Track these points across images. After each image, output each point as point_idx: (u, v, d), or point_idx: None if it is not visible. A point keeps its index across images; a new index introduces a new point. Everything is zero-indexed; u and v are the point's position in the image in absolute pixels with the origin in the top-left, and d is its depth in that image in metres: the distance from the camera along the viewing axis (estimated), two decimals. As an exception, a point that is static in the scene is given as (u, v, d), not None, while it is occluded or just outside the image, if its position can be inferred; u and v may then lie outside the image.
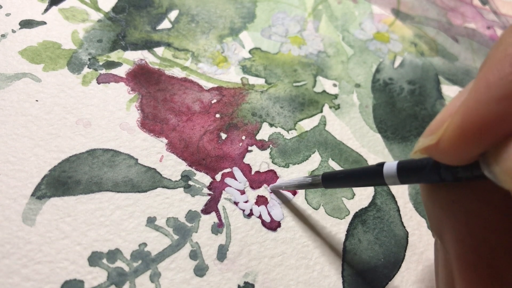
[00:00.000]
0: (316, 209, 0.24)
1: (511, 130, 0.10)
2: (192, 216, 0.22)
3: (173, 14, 0.31)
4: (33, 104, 0.23)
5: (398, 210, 0.25)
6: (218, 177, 0.23)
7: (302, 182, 0.21)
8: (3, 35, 0.26)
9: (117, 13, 0.30)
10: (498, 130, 0.10)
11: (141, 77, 0.27)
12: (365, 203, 0.25)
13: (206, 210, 0.22)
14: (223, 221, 0.22)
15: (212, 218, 0.22)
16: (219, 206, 0.22)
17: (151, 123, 0.25)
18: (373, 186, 0.25)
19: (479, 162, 0.11)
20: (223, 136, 0.25)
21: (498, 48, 0.10)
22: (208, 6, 0.33)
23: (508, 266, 0.12)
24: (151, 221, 0.21)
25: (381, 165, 0.16)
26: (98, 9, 0.29)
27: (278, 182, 0.24)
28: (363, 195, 0.25)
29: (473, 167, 0.11)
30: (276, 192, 0.24)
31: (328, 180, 0.20)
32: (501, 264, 0.12)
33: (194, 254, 0.20)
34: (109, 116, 0.24)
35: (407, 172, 0.14)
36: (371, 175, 0.16)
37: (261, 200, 0.23)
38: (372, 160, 0.27)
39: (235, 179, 0.24)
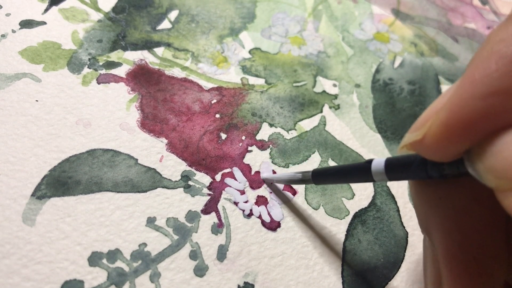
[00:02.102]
0: (316, 209, 0.24)
1: (494, 127, 0.10)
2: (192, 216, 0.22)
3: (173, 14, 0.31)
4: (33, 104, 0.23)
5: (398, 210, 0.25)
6: (218, 177, 0.23)
7: (292, 178, 0.22)
8: (3, 35, 0.26)
9: (117, 13, 0.30)
10: (482, 127, 0.10)
11: (141, 77, 0.27)
12: (365, 203, 0.25)
13: (206, 210, 0.22)
14: (223, 221, 0.22)
15: (212, 218, 0.22)
16: (219, 206, 0.22)
17: (151, 123, 0.25)
18: (363, 182, 0.25)
19: (463, 159, 0.11)
20: (223, 136, 0.25)
21: (485, 46, 0.10)
22: (208, 6, 0.33)
23: (496, 262, 0.12)
24: (151, 221, 0.21)
25: (369, 162, 0.16)
26: (98, 9, 0.29)
27: (271, 175, 0.24)
28: (363, 195, 0.25)
29: (459, 164, 0.11)
30: (272, 188, 0.24)
31: (318, 177, 0.20)
32: (489, 260, 0.12)
33: (194, 254, 0.20)
34: (109, 116, 0.24)
35: (395, 169, 0.15)
36: (360, 172, 0.17)
37: (261, 200, 0.23)
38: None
39: (235, 179, 0.24)
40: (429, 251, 0.14)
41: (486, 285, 0.12)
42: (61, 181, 0.21)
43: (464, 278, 0.12)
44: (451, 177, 0.12)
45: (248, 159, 0.25)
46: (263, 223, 0.22)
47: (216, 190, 0.23)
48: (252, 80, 0.29)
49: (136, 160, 0.23)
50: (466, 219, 0.12)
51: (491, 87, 0.09)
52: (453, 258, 0.12)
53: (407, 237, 0.24)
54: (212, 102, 0.27)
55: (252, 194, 0.23)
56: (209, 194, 0.23)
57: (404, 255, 0.24)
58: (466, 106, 0.10)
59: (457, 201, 0.12)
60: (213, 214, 0.22)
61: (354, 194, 0.25)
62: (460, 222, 0.12)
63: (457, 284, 0.12)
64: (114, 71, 0.26)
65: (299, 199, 0.24)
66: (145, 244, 0.20)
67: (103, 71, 0.26)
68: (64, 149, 0.22)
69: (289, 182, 0.22)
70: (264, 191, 0.24)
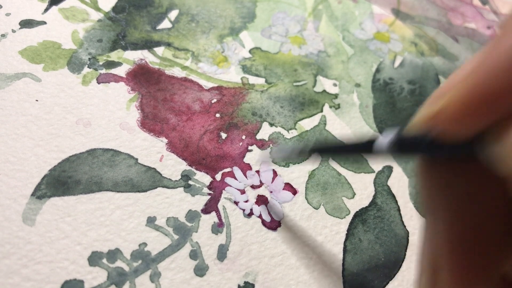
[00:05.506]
0: (317, 209, 0.24)
1: None
2: (192, 215, 0.22)
3: (173, 14, 0.31)
4: (33, 104, 0.23)
5: (399, 210, 0.25)
6: (218, 176, 0.23)
7: (293, 149, 0.21)
8: (3, 35, 0.26)
9: (117, 12, 0.30)
10: (509, 104, 0.09)
11: (141, 77, 0.26)
12: (365, 203, 0.25)
13: (206, 209, 0.22)
14: (223, 220, 0.22)
15: (212, 217, 0.22)
16: (219, 206, 0.22)
17: (151, 122, 0.24)
18: (363, 153, 0.24)
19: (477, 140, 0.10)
20: (223, 135, 0.25)
21: None
22: (208, 5, 0.33)
23: (499, 255, 0.12)
24: (151, 221, 0.21)
25: (374, 137, 0.15)
26: (98, 9, 0.29)
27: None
28: (363, 195, 0.25)
29: (474, 145, 0.10)
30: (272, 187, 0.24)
31: (321, 149, 0.19)
32: (493, 252, 0.11)
33: (194, 254, 0.20)
34: (109, 116, 0.24)
35: (402, 145, 0.14)
36: (364, 145, 0.16)
37: (261, 200, 0.23)
38: (372, 160, 0.27)
39: (235, 179, 0.24)
40: (428, 233, 0.14)
41: (484, 275, 0.12)
42: (61, 181, 0.21)
43: (465, 269, 0.12)
44: (463, 160, 0.12)
45: (248, 158, 0.25)
46: (264, 222, 0.22)
47: (216, 189, 0.23)
48: (252, 79, 0.29)
49: (136, 159, 0.23)
50: (474, 208, 0.12)
51: None
52: (456, 247, 0.12)
53: (408, 236, 0.24)
54: (212, 101, 0.27)
55: (252, 194, 0.23)
56: (209, 194, 0.23)
57: (405, 254, 0.23)
58: (494, 77, 0.09)
59: (465, 187, 0.12)
60: (213, 213, 0.22)
61: (354, 194, 0.25)
62: (467, 210, 0.12)
63: (457, 271, 0.12)
64: (114, 71, 0.26)
65: (299, 199, 0.24)
66: (145, 244, 0.20)
67: (103, 71, 0.26)
68: (64, 148, 0.22)
69: (289, 158, 0.22)
70: (264, 190, 0.24)
